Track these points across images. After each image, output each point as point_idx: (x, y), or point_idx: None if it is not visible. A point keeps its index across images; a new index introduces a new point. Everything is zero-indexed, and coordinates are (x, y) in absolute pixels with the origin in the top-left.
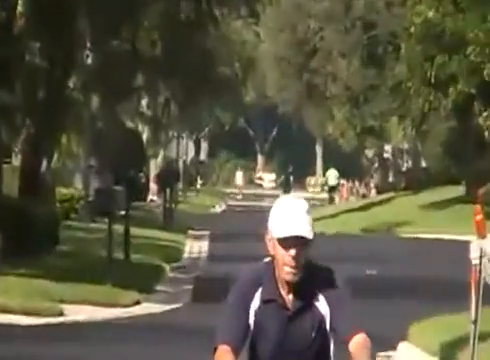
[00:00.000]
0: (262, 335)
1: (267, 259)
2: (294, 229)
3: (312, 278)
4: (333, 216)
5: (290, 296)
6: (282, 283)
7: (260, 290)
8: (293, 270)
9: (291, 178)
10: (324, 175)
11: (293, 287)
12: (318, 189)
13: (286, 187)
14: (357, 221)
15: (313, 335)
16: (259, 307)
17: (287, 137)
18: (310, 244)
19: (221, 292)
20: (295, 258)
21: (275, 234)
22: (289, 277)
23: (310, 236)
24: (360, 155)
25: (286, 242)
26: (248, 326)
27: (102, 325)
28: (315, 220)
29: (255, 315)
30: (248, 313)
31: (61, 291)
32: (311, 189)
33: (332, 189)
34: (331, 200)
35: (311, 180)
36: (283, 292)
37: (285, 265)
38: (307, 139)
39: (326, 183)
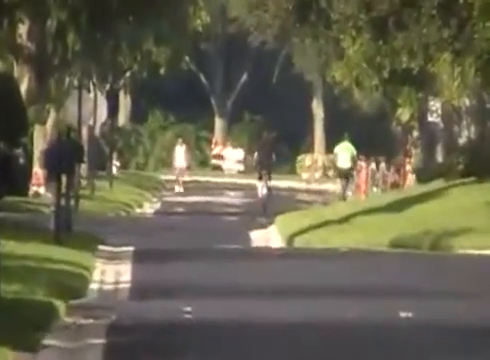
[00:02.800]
0: None
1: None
2: None
3: None
4: (344, 220)
5: None
6: None
7: None
8: None
9: (273, 156)
10: (328, 151)
11: None
12: (317, 174)
13: (262, 170)
14: (384, 229)
15: None
16: None
17: (264, 88)
18: None
19: (153, 350)
20: None
21: None
22: None
23: None
24: (389, 118)
25: None
26: None
27: None
28: (315, 228)
29: None
30: None
31: None
32: (305, 174)
33: (345, 175)
34: (344, 193)
35: (306, 160)
36: None
37: None
38: (298, 92)
39: (334, 165)
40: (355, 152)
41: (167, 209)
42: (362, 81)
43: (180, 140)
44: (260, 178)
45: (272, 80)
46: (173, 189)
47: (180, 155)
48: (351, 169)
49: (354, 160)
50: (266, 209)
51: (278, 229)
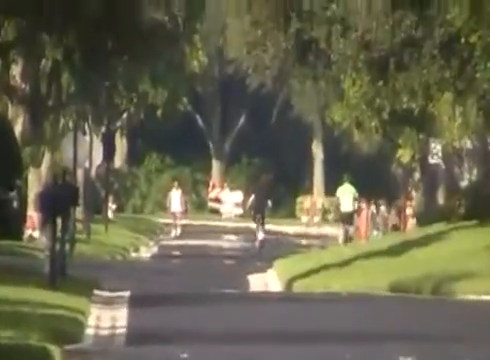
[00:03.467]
0: None
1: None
2: None
3: None
4: (345, 264)
5: None
6: None
7: None
8: None
9: (269, 201)
10: (327, 194)
11: None
12: (316, 217)
13: (256, 213)
14: (384, 272)
15: None
16: None
17: (262, 130)
18: None
19: None
20: None
21: None
22: None
23: None
24: (389, 160)
25: None
26: None
27: None
28: (314, 272)
29: None
30: None
31: None
32: (305, 217)
33: (348, 219)
34: (347, 237)
35: (305, 202)
36: None
37: None
38: (298, 133)
39: (337, 209)
40: (357, 194)
41: (164, 253)
42: (362, 122)
43: (176, 184)
44: (255, 219)
45: (270, 122)
46: (170, 233)
47: (176, 199)
48: (354, 212)
49: (356, 203)
50: (261, 253)
51: (277, 273)
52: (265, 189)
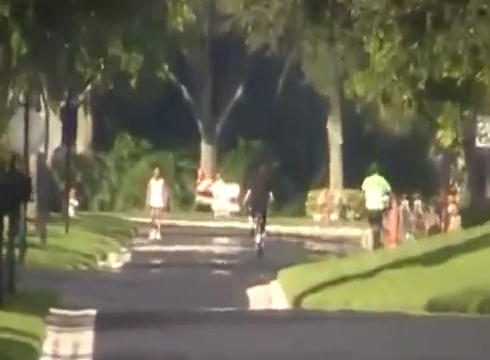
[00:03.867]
0: None
1: None
2: None
3: None
4: (369, 276)
5: None
6: None
7: None
8: None
9: (271, 195)
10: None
11: None
12: (333, 215)
13: (255, 211)
14: (420, 286)
15: None
16: None
17: (264, 106)
18: None
19: None
20: None
21: None
22: None
23: None
24: (426, 144)
25: None
26: None
27: None
28: (330, 285)
29: None
30: None
31: None
32: (318, 216)
33: (376, 219)
34: (377, 240)
35: (318, 196)
36: None
37: None
38: (309, 110)
39: (361, 206)
40: (389, 188)
41: (140, 261)
42: (391, 95)
43: (156, 171)
44: (253, 220)
45: (275, 95)
46: (148, 235)
47: (157, 192)
48: (384, 210)
49: (387, 198)
50: (261, 260)
51: (282, 286)
52: (266, 180)
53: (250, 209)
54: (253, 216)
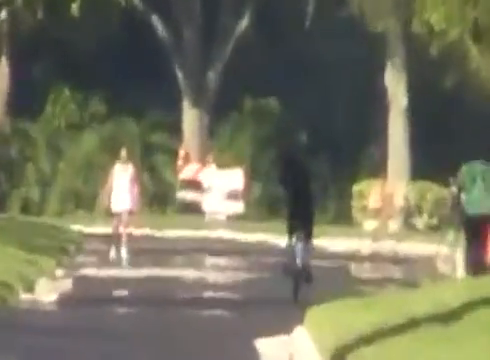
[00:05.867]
0: None
1: None
2: None
3: None
4: (452, 318)
5: None
6: None
7: None
8: None
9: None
10: (417, 176)
11: None
12: (394, 223)
13: (295, 219)
14: None
15: None
16: None
17: (282, 45)
18: None
19: None
20: None
21: None
22: None
23: None
24: None
25: None
26: None
27: None
28: (389, 334)
29: None
30: None
31: None
32: (371, 223)
33: (476, 228)
34: (478, 262)
35: (371, 193)
36: None
37: None
38: (355, 53)
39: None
40: None
41: (87, 293)
42: (488, 29)
43: (124, 153)
44: (291, 233)
45: (300, 30)
46: (99, 252)
47: (123, 186)
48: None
49: None
50: (298, 292)
51: (312, 335)
52: (301, 167)
53: (290, 218)
54: (291, 226)
